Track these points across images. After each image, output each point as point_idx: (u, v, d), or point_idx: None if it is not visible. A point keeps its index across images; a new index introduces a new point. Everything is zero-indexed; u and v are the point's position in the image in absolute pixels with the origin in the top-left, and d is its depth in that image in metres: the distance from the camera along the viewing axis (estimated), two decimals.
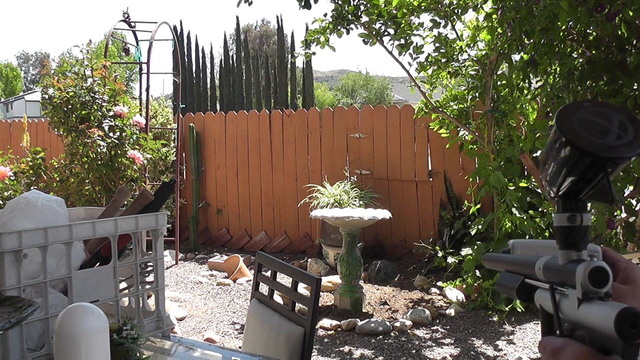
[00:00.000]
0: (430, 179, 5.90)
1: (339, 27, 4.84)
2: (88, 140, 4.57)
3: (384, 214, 4.34)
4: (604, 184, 0.49)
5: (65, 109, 4.65)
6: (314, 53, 5.30)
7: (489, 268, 0.72)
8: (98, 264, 1.52)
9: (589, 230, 0.52)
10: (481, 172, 4.75)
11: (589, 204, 0.51)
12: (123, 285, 1.61)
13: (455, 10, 4.63)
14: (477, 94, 4.94)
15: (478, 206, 4.95)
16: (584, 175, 0.49)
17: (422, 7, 4.63)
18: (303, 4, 4.16)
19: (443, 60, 4.89)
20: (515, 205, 4.48)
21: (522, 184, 4.67)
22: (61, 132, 4.78)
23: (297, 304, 1.77)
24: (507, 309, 4.21)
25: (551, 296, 0.52)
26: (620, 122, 0.50)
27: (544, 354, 0.50)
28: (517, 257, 0.64)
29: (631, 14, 2.18)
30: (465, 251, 4.74)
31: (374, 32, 4.85)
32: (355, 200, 5.61)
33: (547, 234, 4.55)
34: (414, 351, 3.59)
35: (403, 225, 6.00)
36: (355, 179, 6.04)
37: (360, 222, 4.18)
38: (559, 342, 0.48)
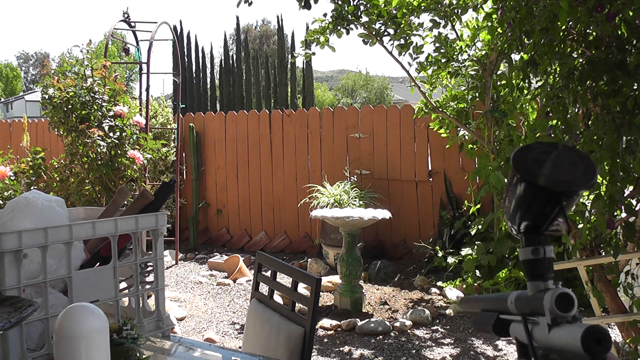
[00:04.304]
0: (430, 179, 5.90)
1: (339, 27, 4.84)
2: (88, 140, 4.57)
3: (384, 214, 4.34)
4: (560, 216, 0.52)
5: (65, 109, 4.65)
6: (313, 53, 5.30)
7: (466, 310, 0.77)
8: (98, 264, 1.52)
9: (552, 262, 0.56)
10: (481, 172, 4.75)
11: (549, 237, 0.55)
12: (123, 285, 1.61)
13: (455, 11, 4.63)
14: (477, 94, 4.94)
15: (478, 206, 4.95)
16: (543, 210, 0.53)
17: (422, 7, 4.63)
18: (303, 4, 4.16)
19: (443, 60, 4.89)
20: None
21: None
22: (61, 132, 4.78)
23: (297, 304, 1.77)
24: None
25: (524, 325, 0.54)
26: (570, 159, 0.54)
27: None
28: (492, 295, 0.66)
29: (631, 14, 2.18)
30: (465, 251, 4.74)
31: (373, 32, 4.85)
32: (355, 200, 5.60)
33: None
34: (414, 351, 3.59)
35: (403, 225, 6.00)
36: (355, 179, 6.04)
37: (360, 222, 4.18)
38: None
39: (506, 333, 0.62)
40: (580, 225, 2.66)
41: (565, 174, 0.53)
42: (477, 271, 4.56)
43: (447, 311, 4.32)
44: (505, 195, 0.57)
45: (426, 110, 5.30)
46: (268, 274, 1.95)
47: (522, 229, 0.55)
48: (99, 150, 4.59)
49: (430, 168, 5.92)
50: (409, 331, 3.95)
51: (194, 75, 33.81)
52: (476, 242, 4.75)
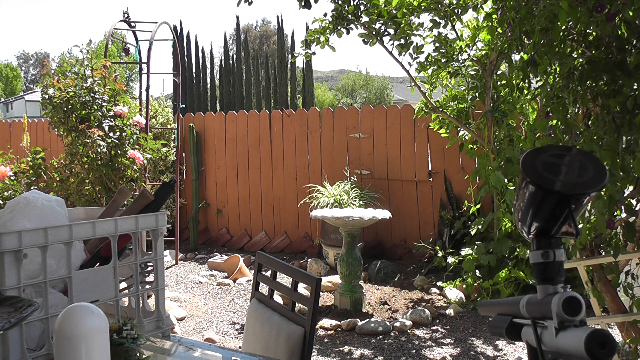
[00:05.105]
0: (430, 179, 5.90)
1: (339, 27, 4.84)
2: (88, 140, 4.57)
3: (384, 214, 4.34)
4: (569, 220, 0.52)
5: (65, 109, 4.65)
6: (314, 53, 5.30)
7: (484, 314, 0.76)
8: (98, 264, 1.52)
9: (562, 265, 0.56)
10: (481, 172, 4.75)
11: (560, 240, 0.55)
12: (123, 285, 1.61)
13: (455, 10, 4.63)
14: (477, 94, 4.94)
15: (478, 206, 4.94)
16: (552, 213, 0.53)
17: (422, 7, 4.63)
18: (303, 4, 4.16)
19: (443, 60, 4.89)
20: None
21: None
22: (61, 132, 4.77)
23: (297, 304, 1.77)
24: None
25: (533, 329, 0.54)
26: (581, 162, 0.54)
27: None
28: (508, 299, 0.66)
29: (631, 14, 2.18)
30: (465, 251, 4.74)
31: (374, 32, 4.85)
32: (355, 200, 5.60)
33: None
34: (413, 351, 3.59)
35: (403, 225, 6.00)
36: (355, 179, 6.04)
37: (360, 222, 4.18)
38: None
39: (519, 337, 0.62)
40: (580, 226, 2.66)
41: (574, 176, 0.52)
42: (477, 271, 4.56)
43: (447, 311, 4.32)
44: (516, 198, 0.57)
45: (426, 110, 5.30)
46: (268, 274, 1.95)
47: (532, 232, 0.55)
48: (99, 150, 4.59)
49: (430, 168, 5.92)
50: (409, 331, 3.95)
51: (194, 75, 33.82)
52: (476, 242, 4.75)
